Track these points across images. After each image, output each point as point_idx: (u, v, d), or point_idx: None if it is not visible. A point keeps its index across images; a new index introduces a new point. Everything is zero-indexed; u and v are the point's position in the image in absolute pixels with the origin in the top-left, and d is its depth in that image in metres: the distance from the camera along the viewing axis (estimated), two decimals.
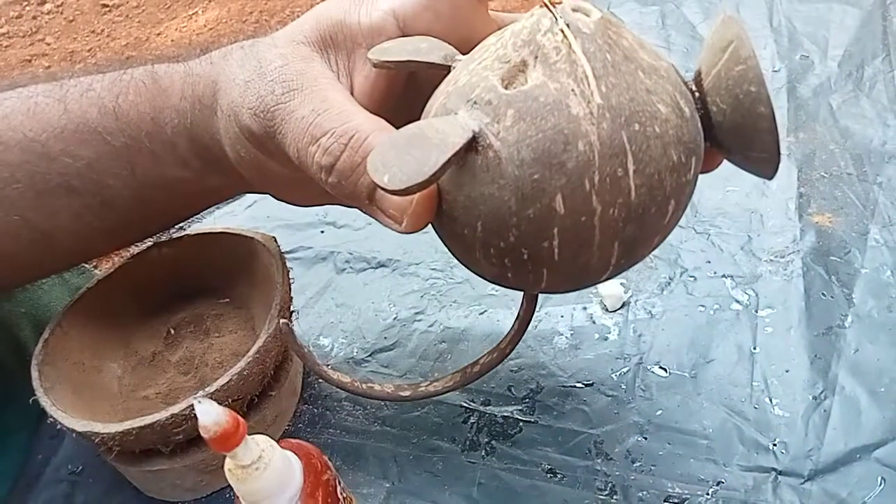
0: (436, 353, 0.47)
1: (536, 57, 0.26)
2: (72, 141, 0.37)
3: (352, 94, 0.34)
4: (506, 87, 0.27)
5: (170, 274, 0.48)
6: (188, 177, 0.38)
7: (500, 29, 0.33)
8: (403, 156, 0.25)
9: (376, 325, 0.50)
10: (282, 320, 0.35)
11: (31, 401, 0.40)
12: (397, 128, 0.28)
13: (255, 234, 0.46)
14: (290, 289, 0.44)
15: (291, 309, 0.44)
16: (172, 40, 1.64)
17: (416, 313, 0.50)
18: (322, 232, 0.58)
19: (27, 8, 1.83)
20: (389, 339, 0.49)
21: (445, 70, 0.30)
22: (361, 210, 0.32)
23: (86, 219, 0.39)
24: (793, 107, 0.60)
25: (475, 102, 0.27)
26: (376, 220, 0.31)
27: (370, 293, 0.52)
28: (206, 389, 0.38)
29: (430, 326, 0.49)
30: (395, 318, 0.50)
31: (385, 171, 0.25)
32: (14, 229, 0.38)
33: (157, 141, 0.37)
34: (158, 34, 1.68)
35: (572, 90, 0.26)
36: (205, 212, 0.46)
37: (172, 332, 0.48)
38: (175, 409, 0.37)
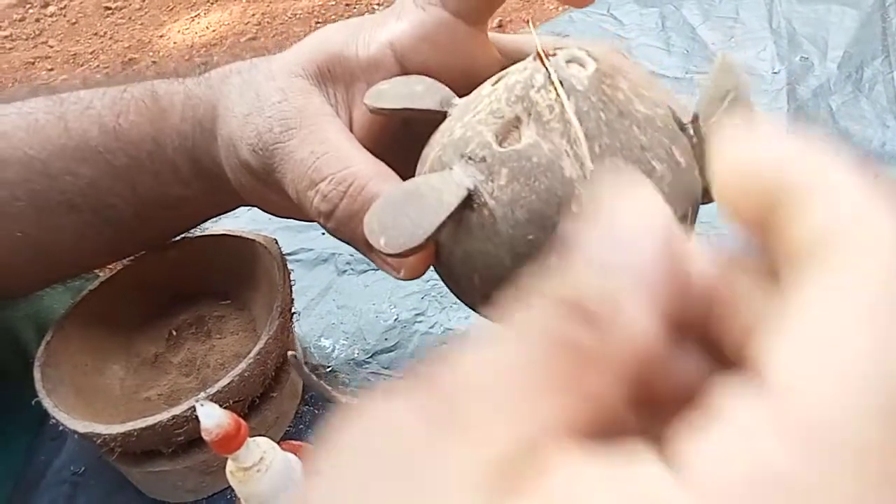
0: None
1: (530, 114, 0.26)
2: (73, 160, 0.37)
3: (351, 127, 0.33)
4: (500, 144, 0.26)
5: (172, 276, 0.48)
6: (190, 195, 0.38)
7: (499, 60, 0.33)
8: (399, 216, 0.26)
9: (377, 327, 0.50)
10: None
11: (33, 402, 0.40)
12: (395, 164, 0.28)
13: (256, 236, 0.46)
14: (291, 290, 0.44)
15: (292, 311, 0.44)
16: (175, 42, 1.64)
17: (417, 315, 0.50)
18: (323, 234, 0.58)
19: (30, 11, 1.84)
20: (390, 341, 0.49)
21: (441, 116, 0.30)
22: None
23: (88, 235, 0.39)
24: (792, 108, 0.60)
25: (470, 158, 0.27)
26: (374, 263, 0.32)
27: (371, 295, 0.52)
28: (208, 391, 0.38)
29: (430, 328, 0.49)
30: (395, 320, 0.50)
31: (381, 232, 0.25)
32: (16, 245, 0.38)
33: (159, 161, 0.37)
34: (161, 36, 1.68)
35: (566, 151, 0.25)
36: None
37: (174, 333, 0.48)
38: (177, 410, 0.37)
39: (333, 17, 1.52)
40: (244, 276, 0.47)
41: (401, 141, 0.33)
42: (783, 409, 0.10)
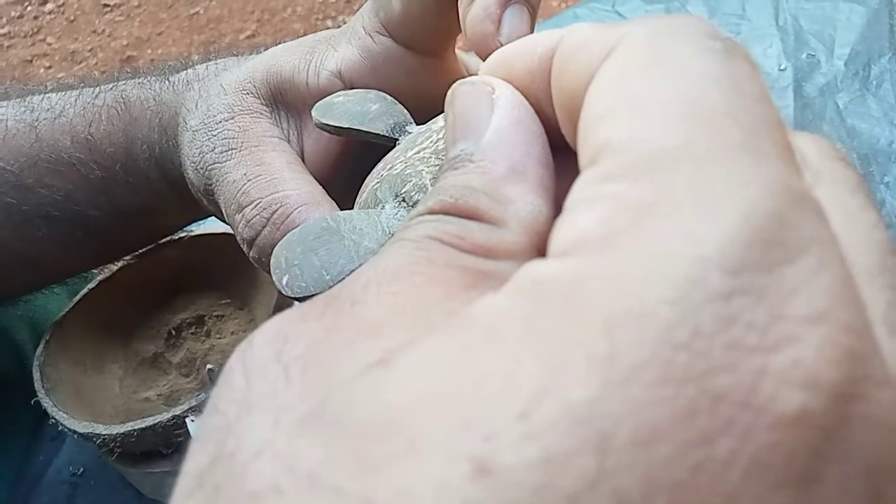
0: None
1: None
2: (46, 172, 0.36)
3: (303, 156, 0.31)
4: None
5: (171, 275, 0.48)
6: (166, 204, 0.37)
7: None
8: (309, 255, 0.23)
9: None
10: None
11: (32, 402, 0.39)
12: (354, 194, 0.26)
13: None
14: None
15: None
16: (173, 40, 1.64)
17: None
18: None
19: (28, 8, 1.83)
20: None
21: (391, 143, 0.27)
22: None
23: (69, 244, 0.38)
24: (799, 106, 0.59)
25: (403, 199, 0.24)
26: None
27: None
28: (208, 391, 0.38)
29: None
30: None
31: (286, 271, 0.23)
32: None
33: (133, 173, 0.36)
34: (159, 34, 1.68)
35: None
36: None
37: (174, 333, 0.48)
38: (176, 410, 0.37)
39: (333, 13, 1.51)
40: (244, 275, 0.47)
41: (362, 171, 0.30)
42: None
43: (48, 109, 0.37)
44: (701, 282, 0.09)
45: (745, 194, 0.10)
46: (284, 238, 0.24)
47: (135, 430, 0.37)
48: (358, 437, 0.09)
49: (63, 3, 1.81)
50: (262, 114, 0.31)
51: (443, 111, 0.26)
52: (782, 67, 0.63)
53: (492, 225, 0.13)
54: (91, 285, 0.46)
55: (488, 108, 0.14)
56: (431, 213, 0.13)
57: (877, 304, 0.11)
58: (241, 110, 0.31)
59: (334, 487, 0.09)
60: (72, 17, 1.77)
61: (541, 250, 0.13)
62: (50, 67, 1.63)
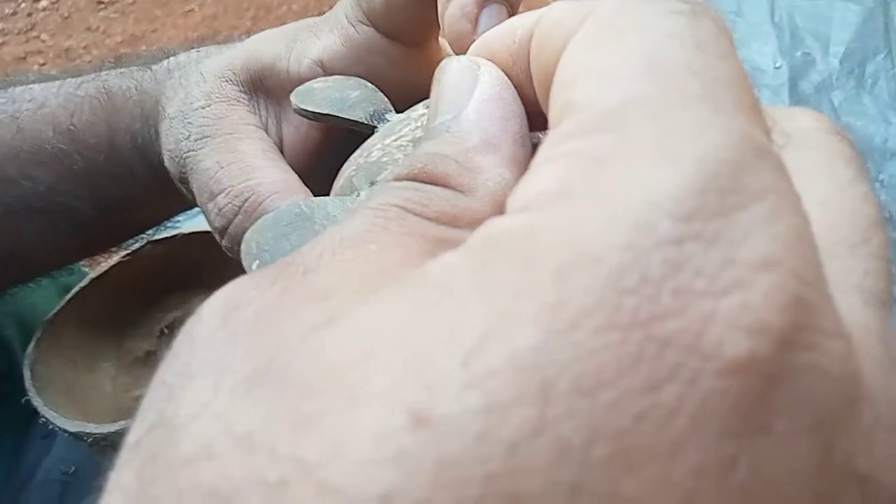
0: None
1: None
2: (28, 164, 0.36)
3: (281, 144, 0.31)
4: None
5: (164, 272, 0.47)
6: (151, 194, 0.37)
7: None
8: (280, 240, 0.23)
9: None
10: None
11: (22, 401, 0.39)
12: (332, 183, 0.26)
13: None
14: None
15: None
16: (168, 37, 1.63)
17: None
18: None
19: (22, 5, 1.82)
20: None
21: (369, 130, 0.27)
22: None
23: (53, 237, 0.38)
24: (794, 103, 0.59)
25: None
26: None
27: None
28: None
29: None
30: None
31: (256, 256, 0.23)
32: None
33: (116, 164, 0.36)
34: (154, 31, 1.67)
35: None
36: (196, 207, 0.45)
37: (166, 331, 0.47)
38: None
39: (328, 10, 1.50)
40: (237, 272, 0.46)
41: (343, 158, 0.30)
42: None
43: (30, 100, 0.36)
44: (651, 227, 0.09)
45: (700, 142, 0.10)
46: (257, 223, 0.23)
47: (126, 429, 0.36)
48: (297, 395, 0.09)
49: (57, 0, 1.81)
50: (239, 101, 0.31)
51: (423, 99, 0.25)
52: (777, 65, 0.63)
53: (458, 192, 0.13)
54: (83, 283, 0.46)
55: (472, 84, 0.15)
56: (398, 179, 0.13)
57: (853, 272, 0.11)
58: (218, 98, 0.30)
59: (269, 448, 0.09)
60: (66, 14, 1.76)
61: None
62: (44, 64, 1.62)
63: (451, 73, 0.15)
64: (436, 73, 0.16)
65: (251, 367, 0.10)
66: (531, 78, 0.14)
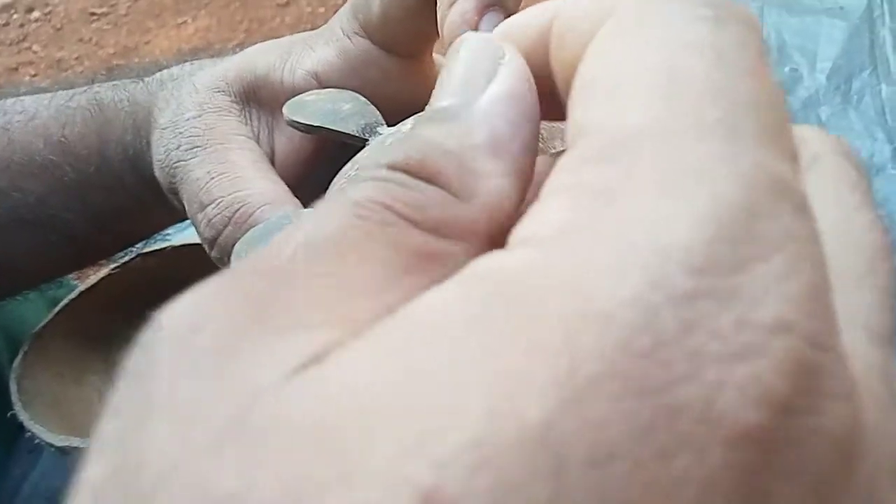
0: None
1: None
2: (19, 175, 0.35)
3: (273, 155, 0.31)
4: None
5: (153, 285, 0.47)
6: (143, 207, 0.37)
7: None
8: None
9: None
10: None
11: (8, 415, 0.39)
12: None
13: None
14: None
15: None
16: (161, 49, 1.63)
17: None
18: None
19: (14, 16, 1.82)
20: None
21: (361, 143, 0.27)
22: None
23: (43, 249, 0.38)
24: None
25: None
26: None
27: None
28: None
29: None
30: None
31: None
32: None
33: (107, 175, 0.35)
34: (147, 43, 1.67)
35: None
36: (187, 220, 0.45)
37: None
38: None
39: (322, 24, 1.51)
40: None
41: (335, 170, 0.29)
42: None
43: (21, 112, 0.36)
44: (662, 280, 0.09)
45: (713, 181, 0.09)
46: (246, 234, 0.23)
47: None
48: (285, 459, 0.08)
49: (49, 11, 1.81)
50: (230, 112, 0.31)
51: (415, 113, 0.26)
52: None
53: (454, 196, 0.12)
54: (72, 296, 0.46)
55: (491, 69, 0.13)
56: (391, 168, 0.12)
57: (859, 308, 0.11)
58: (209, 108, 0.31)
59: None
60: (58, 25, 1.76)
61: (497, 242, 0.11)
62: (35, 75, 1.62)
63: (473, 52, 0.13)
64: (455, 43, 0.14)
65: (223, 415, 0.09)
66: (546, 76, 0.13)
